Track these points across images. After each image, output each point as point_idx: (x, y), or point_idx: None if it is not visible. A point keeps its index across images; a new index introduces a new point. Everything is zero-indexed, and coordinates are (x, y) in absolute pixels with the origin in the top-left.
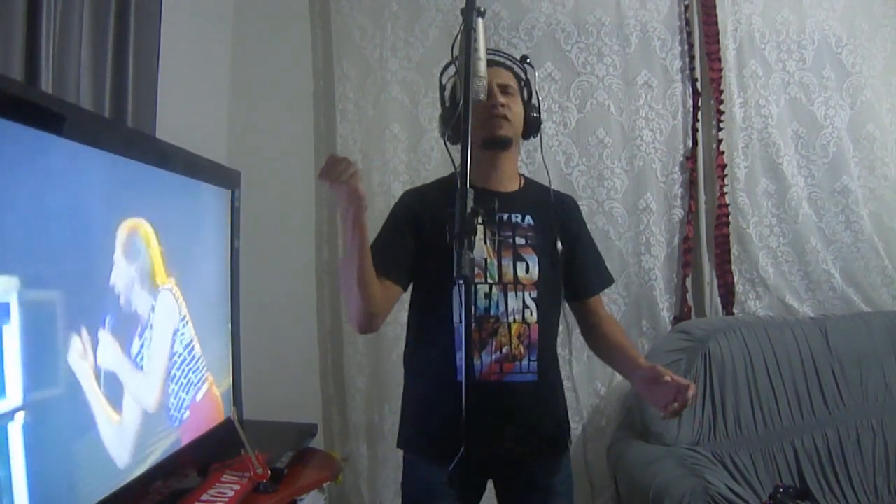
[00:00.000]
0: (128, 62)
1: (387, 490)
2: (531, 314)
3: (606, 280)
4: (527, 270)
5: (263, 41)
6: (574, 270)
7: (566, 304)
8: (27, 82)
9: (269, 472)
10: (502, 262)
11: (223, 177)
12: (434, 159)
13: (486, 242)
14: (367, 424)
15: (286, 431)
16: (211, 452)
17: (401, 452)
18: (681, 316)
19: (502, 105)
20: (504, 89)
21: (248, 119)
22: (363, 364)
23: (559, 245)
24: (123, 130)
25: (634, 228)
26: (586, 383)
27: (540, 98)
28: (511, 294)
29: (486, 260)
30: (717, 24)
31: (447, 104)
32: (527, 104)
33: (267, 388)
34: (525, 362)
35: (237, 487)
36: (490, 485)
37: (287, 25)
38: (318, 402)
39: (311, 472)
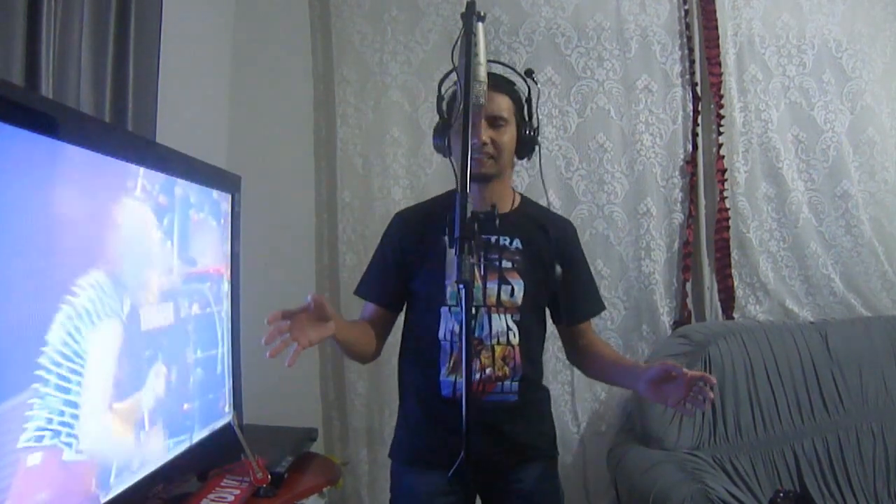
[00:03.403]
0: (128, 67)
1: (386, 495)
2: (514, 336)
3: (597, 308)
4: (511, 294)
5: (264, 45)
6: (565, 296)
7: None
8: (27, 86)
9: (269, 476)
10: (487, 285)
11: (223, 181)
12: (434, 164)
13: None
14: (367, 429)
15: (286, 436)
16: (211, 457)
17: None
18: (681, 320)
19: (485, 144)
20: (494, 122)
21: (249, 123)
22: (363, 369)
23: (558, 269)
24: (124, 134)
25: (634, 233)
26: (586, 388)
27: (539, 117)
28: (494, 317)
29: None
30: (717, 28)
31: (445, 116)
32: (524, 124)
33: (267, 392)
34: (507, 383)
35: (237, 492)
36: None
37: (287, 30)
38: (318, 407)
39: (311, 477)
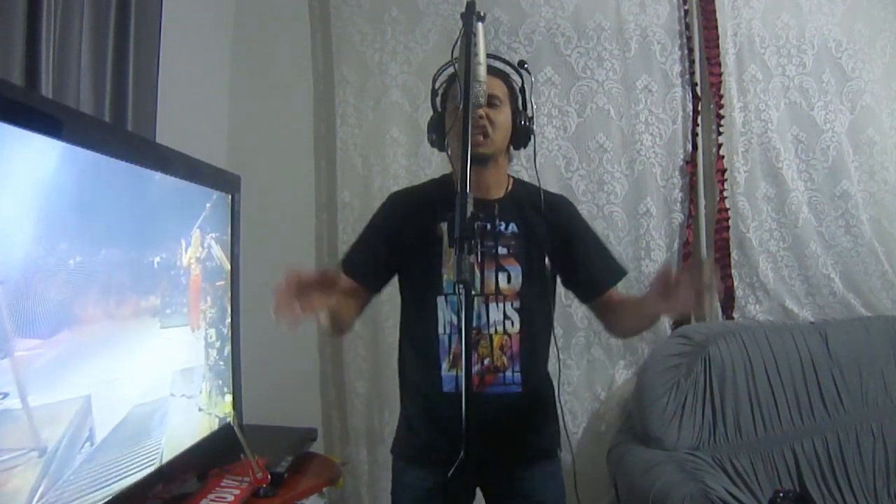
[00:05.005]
0: (128, 67)
1: (386, 494)
2: (512, 325)
3: (617, 272)
4: (508, 281)
5: (263, 45)
6: (578, 270)
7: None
8: (27, 86)
9: (269, 476)
10: (484, 273)
11: (223, 181)
12: (434, 163)
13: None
14: (366, 429)
15: (286, 436)
16: (210, 457)
17: None
18: (681, 320)
19: (481, 117)
20: (489, 100)
21: (249, 123)
22: (363, 369)
23: (547, 262)
24: (123, 134)
25: (634, 233)
26: (585, 388)
27: (535, 105)
28: (492, 305)
29: None
30: (716, 28)
31: (438, 109)
32: (518, 113)
33: (267, 392)
34: (509, 374)
35: (237, 492)
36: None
37: (287, 29)
38: (317, 407)
39: (310, 477)
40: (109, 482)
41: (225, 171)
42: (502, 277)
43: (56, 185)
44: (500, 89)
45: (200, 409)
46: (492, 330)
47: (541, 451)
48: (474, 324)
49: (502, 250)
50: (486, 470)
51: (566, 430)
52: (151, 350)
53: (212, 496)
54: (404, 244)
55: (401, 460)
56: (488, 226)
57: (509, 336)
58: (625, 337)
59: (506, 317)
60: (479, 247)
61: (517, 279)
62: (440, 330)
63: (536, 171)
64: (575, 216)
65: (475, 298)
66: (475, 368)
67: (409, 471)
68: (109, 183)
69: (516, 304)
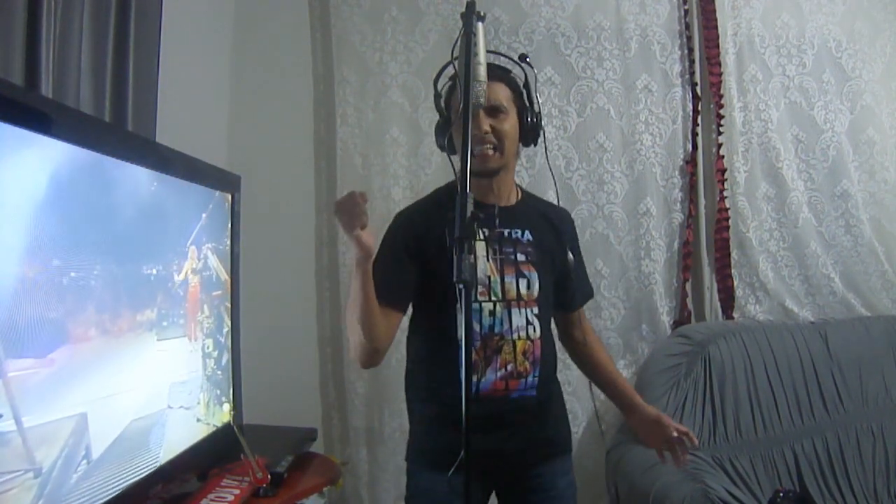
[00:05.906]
0: (128, 67)
1: (387, 494)
2: (534, 330)
3: (588, 294)
4: (528, 287)
5: (263, 46)
6: (563, 283)
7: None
8: (27, 86)
9: (269, 476)
10: (505, 279)
11: (223, 181)
12: (434, 163)
13: (488, 260)
14: (366, 429)
15: (286, 436)
16: (211, 457)
17: (402, 458)
18: (681, 320)
19: (486, 133)
20: (492, 112)
21: (249, 123)
22: (363, 369)
23: (570, 256)
24: (124, 134)
25: (634, 233)
26: (586, 388)
27: (540, 101)
28: (515, 311)
29: (489, 277)
30: (716, 28)
31: (445, 113)
32: (525, 110)
33: (267, 392)
34: (529, 379)
35: (237, 492)
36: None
37: (287, 30)
38: (317, 407)
39: (310, 477)
40: (107, 498)
41: (225, 171)
42: (522, 283)
43: (49, 196)
44: (503, 95)
45: (199, 420)
46: (515, 335)
47: (557, 449)
48: (497, 329)
49: (521, 257)
50: (501, 470)
51: (579, 430)
52: (148, 363)
53: (212, 496)
54: (423, 255)
55: (416, 465)
56: (506, 232)
57: (532, 342)
58: (574, 362)
59: (528, 322)
60: (497, 250)
61: (535, 285)
62: (459, 335)
63: (549, 164)
64: (574, 232)
65: (496, 304)
66: (499, 374)
67: (425, 475)
68: (104, 195)
69: (535, 310)
